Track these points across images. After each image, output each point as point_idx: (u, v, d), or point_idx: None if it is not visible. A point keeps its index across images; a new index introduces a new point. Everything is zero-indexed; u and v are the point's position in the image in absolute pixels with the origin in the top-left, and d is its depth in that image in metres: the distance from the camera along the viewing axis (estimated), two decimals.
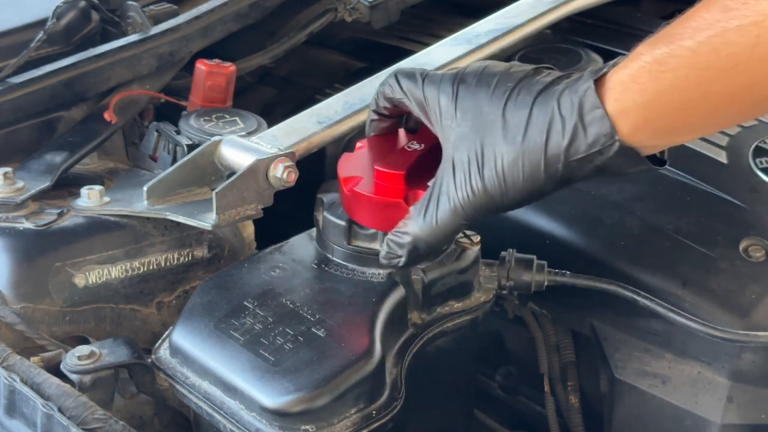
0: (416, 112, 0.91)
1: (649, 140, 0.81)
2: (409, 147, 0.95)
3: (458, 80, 0.87)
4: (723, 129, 0.79)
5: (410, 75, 0.91)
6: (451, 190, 0.85)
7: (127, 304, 1.04)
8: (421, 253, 0.89)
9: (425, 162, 0.92)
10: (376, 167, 0.92)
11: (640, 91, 0.78)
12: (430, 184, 0.88)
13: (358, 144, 0.99)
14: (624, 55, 0.81)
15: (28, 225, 1.03)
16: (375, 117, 0.97)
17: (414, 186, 0.91)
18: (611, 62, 0.81)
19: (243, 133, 1.10)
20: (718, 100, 0.77)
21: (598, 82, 0.80)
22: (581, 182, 1.12)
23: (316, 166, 1.03)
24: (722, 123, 0.84)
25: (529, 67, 0.87)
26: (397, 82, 0.92)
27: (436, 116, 0.88)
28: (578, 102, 0.80)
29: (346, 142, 1.27)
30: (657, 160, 0.84)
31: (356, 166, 0.95)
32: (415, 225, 0.87)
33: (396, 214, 0.90)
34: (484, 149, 0.84)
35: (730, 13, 0.73)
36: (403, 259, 0.89)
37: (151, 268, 1.05)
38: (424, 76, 0.90)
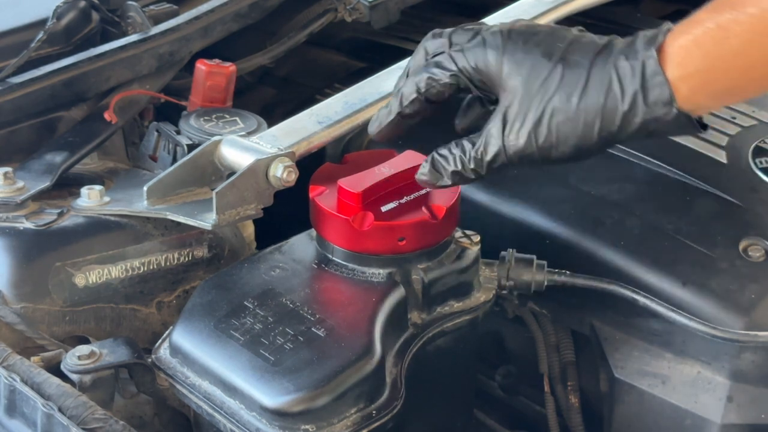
0: (468, 83, 0.90)
1: (704, 102, 0.82)
2: (379, 170, 0.98)
3: (505, 36, 0.87)
4: None
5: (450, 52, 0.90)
6: (499, 136, 0.86)
7: (127, 304, 1.04)
8: (464, 177, 0.90)
9: (390, 187, 0.96)
10: (339, 183, 0.95)
11: (702, 56, 0.79)
12: (385, 209, 0.93)
13: (347, 156, 1.04)
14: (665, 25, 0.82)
15: (28, 225, 1.03)
16: (401, 115, 0.93)
17: (368, 208, 0.94)
18: (663, 28, 0.82)
19: (243, 133, 1.10)
20: None
21: (657, 48, 0.81)
22: (581, 182, 1.13)
23: (316, 166, 1.03)
24: None
25: (572, 29, 0.88)
26: (441, 66, 0.90)
27: (487, 73, 0.88)
28: (640, 68, 0.81)
29: (346, 142, 1.27)
30: (699, 124, 0.85)
31: (331, 178, 0.98)
32: (463, 152, 0.89)
33: (343, 229, 0.94)
34: (539, 105, 0.84)
35: None
36: (446, 179, 0.90)
37: (151, 268, 1.05)
38: (460, 49, 0.89)
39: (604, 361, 1.07)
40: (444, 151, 0.90)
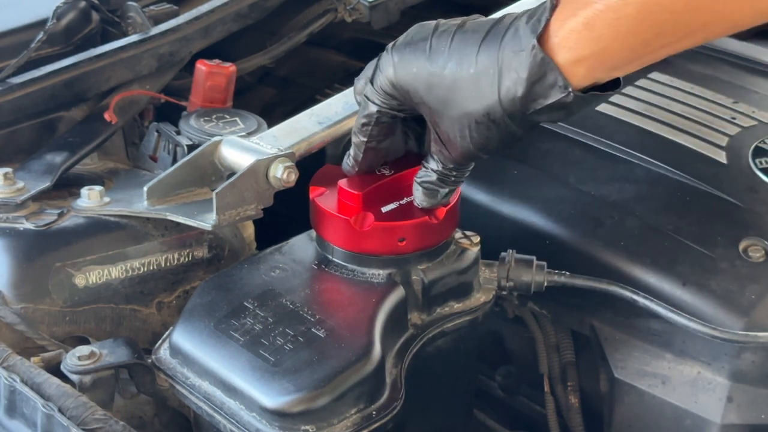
0: (394, 113, 0.92)
1: (605, 76, 0.82)
2: (379, 171, 0.97)
3: (392, 51, 0.88)
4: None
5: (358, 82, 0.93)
6: (444, 153, 0.89)
7: (127, 305, 1.04)
8: (457, 178, 0.92)
9: (390, 188, 0.96)
10: (339, 184, 0.95)
11: (596, 39, 0.78)
12: (385, 210, 0.94)
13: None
14: None
15: (28, 225, 1.03)
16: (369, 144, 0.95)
17: (368, 209, 0.94)
18: (544, 5, 0.81)
19: (243, 134, 1.10)
20: (670, 36, 0.79)
21: (541, 32, 0.80)
22: (581, 182, 1.13)
23: (316, 167, 1.03)
24: (675, 51, 0.84)
25: (452, 21, 0.88)
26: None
27: (397, 96, 0.89)
28: (527, 58, 0.80)
29: (346, 142, 1.27)
30: (611, 83, 0.84)
31: (331, 179, 0.98)
32: (435, 165, 0.91)
33: (343, 230, 0.94)
34: (443, 118, 0.86)
35: None
36: (444, 192, 0.93)
37: (151, 268, 1.05)
38: (369, 82, 0.91)
39: (604, 361, 1.07)
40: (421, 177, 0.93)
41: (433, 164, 0.91)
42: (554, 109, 0.82)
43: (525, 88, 0.81)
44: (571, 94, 0.80)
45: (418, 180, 0.93)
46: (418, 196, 0.94)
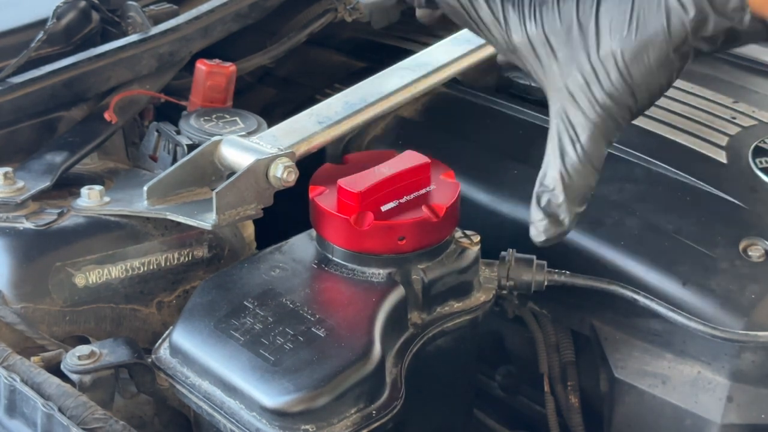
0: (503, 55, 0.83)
1: None
2: (378, 170, 0.97)
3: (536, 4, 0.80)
4: None
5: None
6: (581, 119, 0.79)
7: (127, 304, 1.04)
8: (584, 198, 0.81)
9: (390, 187, 0.96)
10: (339, 183, 0.95)
11: None
12: (385, 208, 0.92)
13: (347, 157, 1.04)
14: None
15: (28, 225, 1.03)
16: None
17: (368, 208, 0.94)
18: None
19: (243, 133, 1.10)
20: None
21: None
22: None
23: (316, 166, 1.03)
24: None
25: None
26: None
27: (529, 57, 0.81)
28: None
29: (346, 142, 1.27)
30: None
31: (331, 178, 0.98)
32: (555, 172, 0.80)
33: (343, 229, 0.94)
34: (595, 59, 0.77)
35: None
36: (567, 218, 0.81)
37: (151, 268, 1.05)
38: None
39: (604, 361, 1.07)
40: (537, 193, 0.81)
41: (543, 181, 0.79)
42: (724, 34, 0.75)
43: (698, 9, 0.73)
44: (748, 16, 0.73)
45: (536, 205, 0.81)
46: (540, 227, 0.82)
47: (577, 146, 0.79)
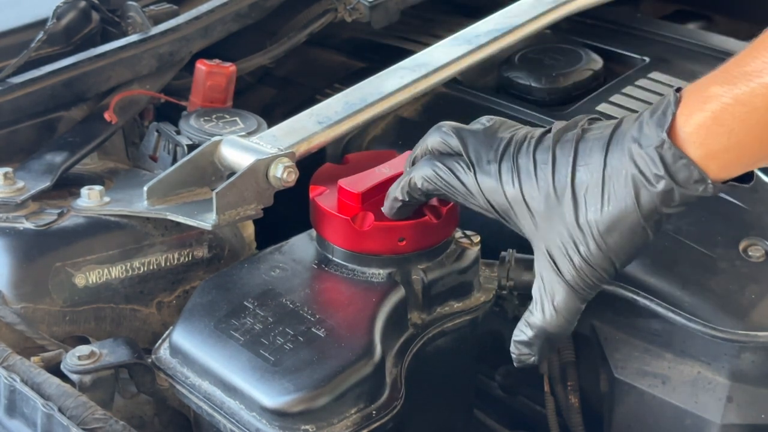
0: (482, 209, 0.89)
1: (738, 172, 0.79)
2: (379, 170, 0.98)
3: (513, 165, 0.85)
4: None
5: (451, 166, 0.88)
6: (557, 280, 0.85)
7: (127, 304, 1.04)
8: (550, 346, 0.90)
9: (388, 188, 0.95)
10: (339, 183, 0.95)
11: (727, 134, 0.76)
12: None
13: (348, 157, 1.04)
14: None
15: (28, 225, 1.03)
16: (404, 202, 0.93)
17: (369, 208, 0.94)
18: (667, 99, 0.79)
19: (243, 133, 1.10)
20: None
21: (668, 127, 0.78)
22: None
23: (316, 166, 1.03)
24: None
25: (560, 124, 0.85)
26: (438, 175, 0.89)
27: (511, 215, 0.87)
28: (657, 155, 0.78)
29: (346, 143, 1.27)
30: (746, 177, 0.82)
31: (331, 178, 0.98)
32: (537, 321, 0.88)
33: (343, 230, 0.94)
34: (573, 227, 0.83)
35: None
36: (535, 357, 0.90)
37: (151, 268, 1.05)
38: (467, 164, 0.87)
39: (604, 361, 1.07)
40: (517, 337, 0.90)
41: (538, 315, 0.88)
42: (688, 203, 0.80)
43: (664, 184, 0.78)
44: (710, 186, 0.78)
45: (516, 339, 0.90)
46: (514, 353, 0.91)
47: (555, 304, 0.87)
